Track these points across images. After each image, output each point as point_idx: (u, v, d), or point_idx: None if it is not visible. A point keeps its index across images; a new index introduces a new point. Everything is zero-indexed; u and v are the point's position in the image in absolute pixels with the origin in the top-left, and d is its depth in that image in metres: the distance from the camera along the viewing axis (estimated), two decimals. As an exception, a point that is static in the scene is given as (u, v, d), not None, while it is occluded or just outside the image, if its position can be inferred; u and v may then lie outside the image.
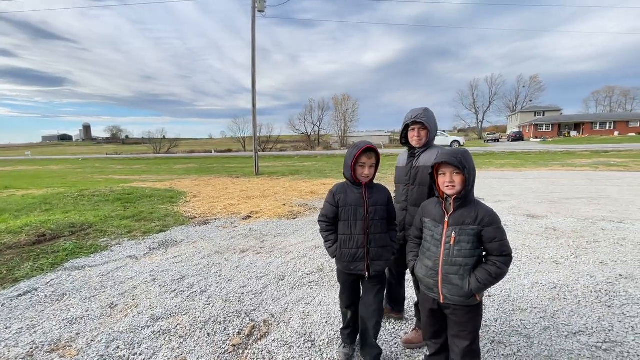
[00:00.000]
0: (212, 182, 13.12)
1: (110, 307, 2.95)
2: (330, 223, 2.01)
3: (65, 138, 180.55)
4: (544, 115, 56.20)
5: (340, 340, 2.25)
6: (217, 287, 3.26)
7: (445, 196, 1.59)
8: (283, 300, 2.97)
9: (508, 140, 46.70)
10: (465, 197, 1.52)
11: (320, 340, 2.36)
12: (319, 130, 63.81)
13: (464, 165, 1.48)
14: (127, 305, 2.97)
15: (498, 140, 47.51)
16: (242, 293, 3.12)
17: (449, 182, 1.54)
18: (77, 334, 2.53)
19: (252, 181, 12.83)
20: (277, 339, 2.39)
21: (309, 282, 3.33)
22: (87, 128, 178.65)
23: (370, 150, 1.92)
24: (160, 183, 12.47)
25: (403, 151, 2.36)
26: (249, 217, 6.28)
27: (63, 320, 2.74)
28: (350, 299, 2.08)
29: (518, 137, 45.54)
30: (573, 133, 47.95)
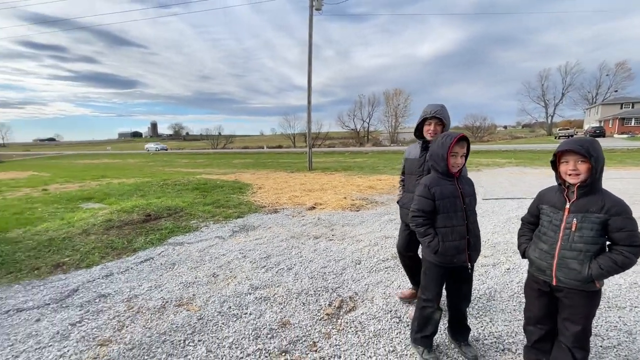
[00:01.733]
0: (270, 175, 13.95)
1: (213, 276, 3.49)
2: (427, 217, 1.99)
3: (136, 135, 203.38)
4: (632, 107, 48.68)
5: (421, 348, 2.12)
6: (301, 266, 3.64)
7: (567, 184, 1.60)
8: (363, 282, 3.23)
9: (586, 137, 41.44)
10: (591, 185, 1.52)
11: (407, 319, 2.56)
12: (368, 127, 63.20)
13: (590, 153, 1.49)
14: (226, 276, 3.48)
15: (572, 137, 42.40)
16: (324, 272, 3.45)
17: (572, 170, 1.55)
18: (193, 295, 3.07)
19: (307, 176, 13.36)
20: (365, 313, 2.65)
21: (385, 268, 3.54)
22: (154, 125, 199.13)
23: (463, 139, 1.99)
24: (225, 176, 13.62)
25: (414, 144, 2.57)
26: (314, 207, 6.68)
27: (179, 283, 3.33)
28: (439, 294, 2.08)
29: (598, 133, 40.10)
30: (673, 128, 40.81)
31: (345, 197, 7.57)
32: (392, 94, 59.40)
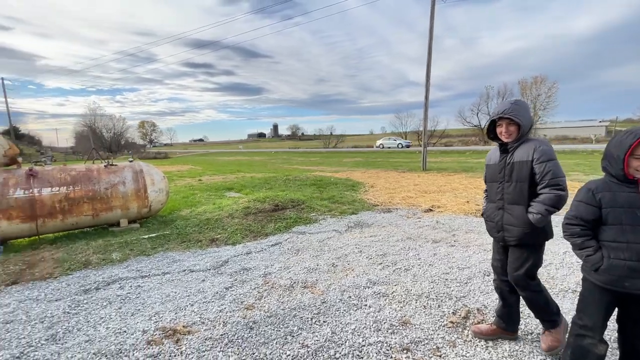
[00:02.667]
0: (381, 175, 13.95)
1: (332, 266, 3.78)
2: (587, 227, 1.75)
3: (261, 135, 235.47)
4: None
5: None
6: (420, 268, 3.56)
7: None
8: (493, 295, 2.92)
9: None
10: None
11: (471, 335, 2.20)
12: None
13: None
14: (344, 267, 3.72)
15: None
16: (447, 279, 3.28)
17: None
18: (316, 280, 3.42)
19: (421, 176, 12.76)
20: (499, 330, 2.40)
21: (523, 285, 3.11)
22: (275, 127, 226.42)
23: None
24: (337, 173, 14.37)
25: (494, 148, 2.30)
26: (431, 210, 6.36)
27: (304, 268, 3.74)
28: (603, 325, 1.73)
29: None
30: None
31: (468, 201, 6.92)
32: (530, 82, 50.23)
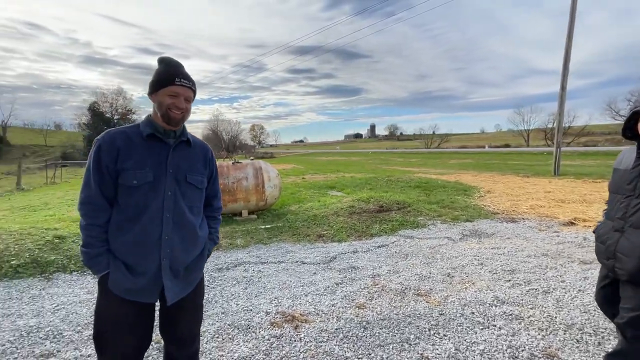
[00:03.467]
0: (497, 179, 12.34)
1: (448, 276, 3.50)
2: None
3: (357, 136, 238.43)
4: None
5: None
6: (565, 293, 2.97)
7: None
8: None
9: None
10: None
11: None
12: (667, 114, 42.45)
13: None
14: (462, 279, 3.39)
15: None
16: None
17: None
18: (430, 289, 3.21)
19: (553, 182, 10.75)
20: None
21: None
22: (372, 127, 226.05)
23: None
24: (443, 176, 13.36)
25: (628, 148, 1.77)
26: (573, 223, 5.27)
27: (415, 274, 3.57)
28: None
29: None
30: None
31: (628, 216, 5.47)
32: None
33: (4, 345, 2.43)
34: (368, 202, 6.08)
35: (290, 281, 3.51)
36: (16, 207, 8.93)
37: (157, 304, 1.49)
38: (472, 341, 2.32)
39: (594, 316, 2.57)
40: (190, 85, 1.43)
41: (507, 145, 49.52)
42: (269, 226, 5.46)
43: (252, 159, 6.30)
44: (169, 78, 1.38)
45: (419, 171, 17.79)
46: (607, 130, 49.33)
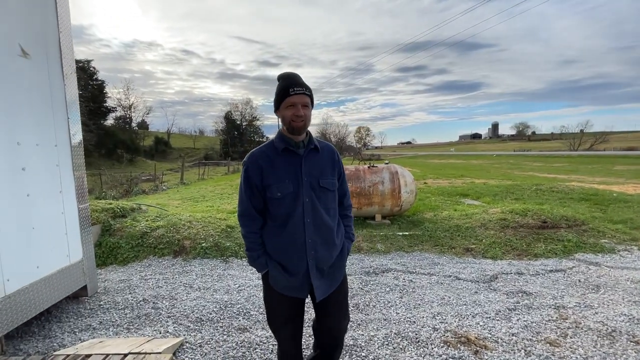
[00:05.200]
0: None
1: (676, 323, 2.66)
2: None
3: (476, 136, 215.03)
4: None
5: None
6: None
7: None
8: None
9: None
10: None
11: None
12: None
13: None
14: None
15: None
16: None
17: None
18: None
19: None
20: None
21: None
22: (495, 126, 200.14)
23: None
24: (612, 186, 10.64)
25: None
26: None
27: (619, 314, 2.84)
28: None
29: None
30: None
31: None
32: None
33: (211, 313, 2.99)
34: (525, 216, 5.25)
35: (449, 297, 3.28)
36: (185, 198, 11.24)
37: (308, 299, 1.68)
38: None
39: None
40: (304, 91, 1.49)
41: None
42: (407, 233, 5.31)
43: (388, 163, 6.27)
44: (284, 91, 1.49)
45: (570, 179, 14.71)
46: None
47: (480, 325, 2.75)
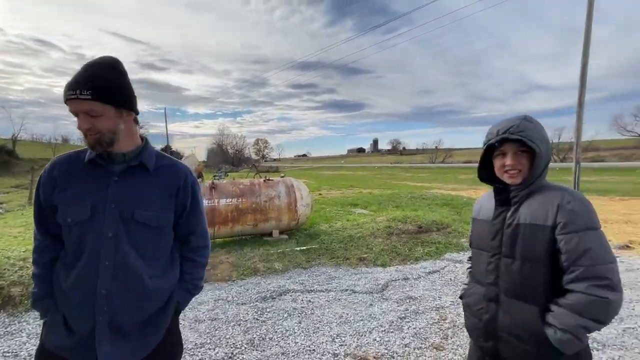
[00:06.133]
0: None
1: (520, 309, 3.15)
2: None
3: (360, 150, 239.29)
4: None
5: None
6: (671, 334, 2.62)
7: None
8: None
9: None
10: None
11: None
12: (674, 130, 42.34)
13: None
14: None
15: None
16: None
17: None
18: (507, 325, 2.86)
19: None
20: None
21: None
22: (375, 142, 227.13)
23: None
24: (462, 192, 13.03)
25: (486, 194, 1.39)
26: (628, 247, 4.93)
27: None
28: None
29: None
30: None
31: (686, 239, 5.12)
32: None
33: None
34: (405, 222, 5.76)
35: (347, 314, 3.18)
36: (31, 224, 8.66)
37: None
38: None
39: None
40: (78, 95, 1.00)
41: (513, 160, 49.21)
42: (304, 248, 5.14)
43: (284, 176, 6.05)
44: (64, 95, 1.04)
45: (432, 186, 17.46)
46: (613, 145, 49.08)
47: (377, 341, 2.69)
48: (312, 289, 3.80)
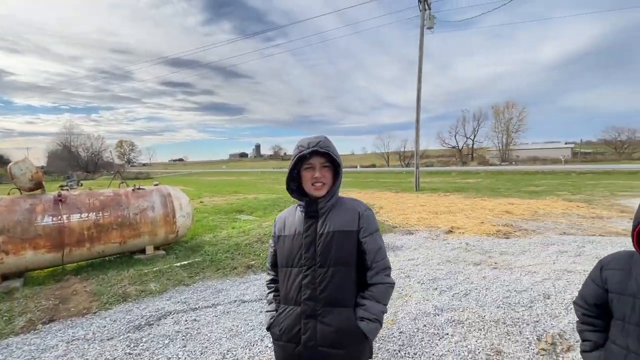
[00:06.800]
0: (378, 195, 14.10)
1: (386, 292, 3.70)
2: (591, 313, 1.26)
3: (243, 155, 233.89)
4: None
5: None
6: (478, 293, 3.55)
7: None
8: (564, 319, 2.94)
9: None
10: None
11: None
12: (472, 144, 58.06)
13: None
14: (400, 294, 3.65)
15: None
16: (510, 303, 3.28)
17: None
18: (378, 308, 3.32)
19: (420, 197, 12.99)
20: (592, 356, 2.41)
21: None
22: (257, 147, 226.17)
23: None
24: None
25: (290, 209, 1.45)
26: (451, 231, 6.45)
27: (358, 295, 3.64)
28: None
29: None
30: None
31: (482, 222, 7.09)
32: (502, 107, 53.54)
33: None
34: (290, 226, 5.94)
35: (238, 326, 3.04)
36: None
37: None
38: (441, 354, 2.49)
39: (506, 310, 3.15)
40: None
41: (374, 165, 57.58)
42: (185, 263, 4.65)
43: (157, 184, 5.31)
44: None
45: (312, 190, 18.61)
46: (438, 154, 63.69)
47: (270, 347, 2.68)
48: (196, 306, 3.47)
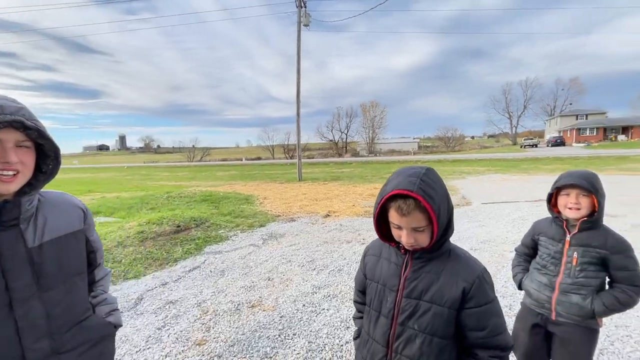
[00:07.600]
0: (263, 186, 14.06)
1: (269, 279, 3.67)
2: (361, 300, 1.29)
3: (103, 148, 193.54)
4: (586, 118, 53.69)
5: None
6: (350, 267, 3.92)
7: (565, 217, 1.53)
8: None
9: (547, 146, 44.89)
10: (595, 221, 1.46)
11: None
12: (346, 138, 64.60)
13: (595, 188, 1.42)
14: (282, 279, 3.68)
15: (536, 146, 45.86)
16: (374, 272, 3.74)
17: (573, 203, 1.47)
18: (259, 297, 3.25)
19: (302, 186, 13.61)
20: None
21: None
22: (122, 138, 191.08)
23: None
24: (218, 187, 13.54)
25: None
26: (328, 215, 6.97)
27: (240, 288, 3.48)
28: None
29: (559, 142, 43.76)
30: (621, 137, 45.49)
31: (354, 205, 7.93)
32: (368, 106, 61.38)
33: None
34: (161, 224, 5.18)
35: (85, 352, 2.43)
36: None
37: None
38: (317, 329, 2.60)
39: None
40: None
41: (259, 158, 57.16)
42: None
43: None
44: None
45: (191, 185, 16.98)
46: (318, 147, 68.42)
47: (130, 367, 2.24)
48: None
